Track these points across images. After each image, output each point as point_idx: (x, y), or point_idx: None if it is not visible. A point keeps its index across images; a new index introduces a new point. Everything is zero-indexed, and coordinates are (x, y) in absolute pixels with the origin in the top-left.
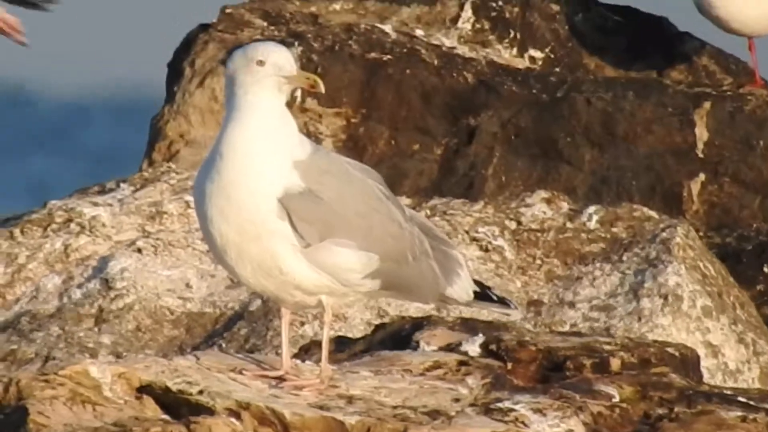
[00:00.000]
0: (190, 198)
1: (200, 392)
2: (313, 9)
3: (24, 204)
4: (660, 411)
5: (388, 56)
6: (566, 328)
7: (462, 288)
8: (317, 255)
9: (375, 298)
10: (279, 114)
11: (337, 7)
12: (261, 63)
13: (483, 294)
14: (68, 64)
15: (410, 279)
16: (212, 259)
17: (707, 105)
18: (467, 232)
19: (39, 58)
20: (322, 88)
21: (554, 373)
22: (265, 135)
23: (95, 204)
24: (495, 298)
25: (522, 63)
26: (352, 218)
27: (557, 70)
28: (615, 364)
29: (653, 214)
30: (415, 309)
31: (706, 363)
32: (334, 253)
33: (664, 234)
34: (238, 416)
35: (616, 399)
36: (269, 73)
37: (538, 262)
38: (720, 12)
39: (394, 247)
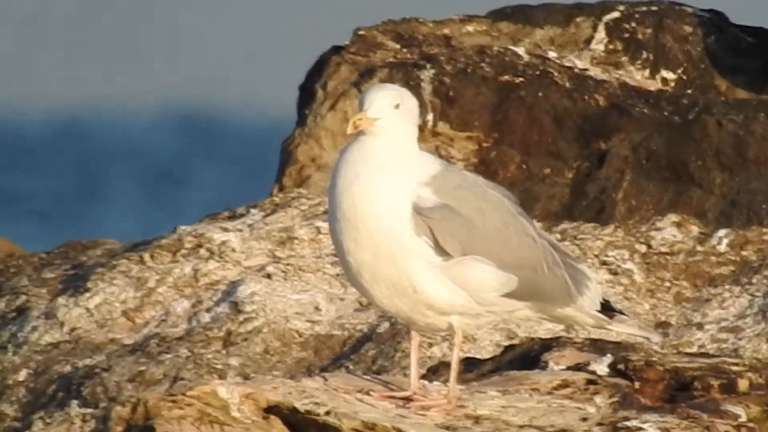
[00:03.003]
0: (320, 223)
1: (327, 413)
2: (446, 31)
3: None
4: None
5: (521, 79)
6: (694, 349)
7: (591, 299)
8: (455, 270)
9: (505, 319)
10: (393, 142)
11: (470, 29)
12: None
13: (607, 306)
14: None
15: (545, 287)
16: (343, 282)
17: None
18: (597, 256)
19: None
20: (348, 129)
21: (681, 393)
22: (383, 159)
23: (225, 230)
24: (617, 311)
25: (654, 85)
26: (491, 232)
27: (689, 92)
28: (743, 384)
29: None
30: (544, 331)
31: None
32: (474, 269)
33: None
34: None
35: (743, 419)
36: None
37: (667, 284)
38: None
39: (530, 258)
